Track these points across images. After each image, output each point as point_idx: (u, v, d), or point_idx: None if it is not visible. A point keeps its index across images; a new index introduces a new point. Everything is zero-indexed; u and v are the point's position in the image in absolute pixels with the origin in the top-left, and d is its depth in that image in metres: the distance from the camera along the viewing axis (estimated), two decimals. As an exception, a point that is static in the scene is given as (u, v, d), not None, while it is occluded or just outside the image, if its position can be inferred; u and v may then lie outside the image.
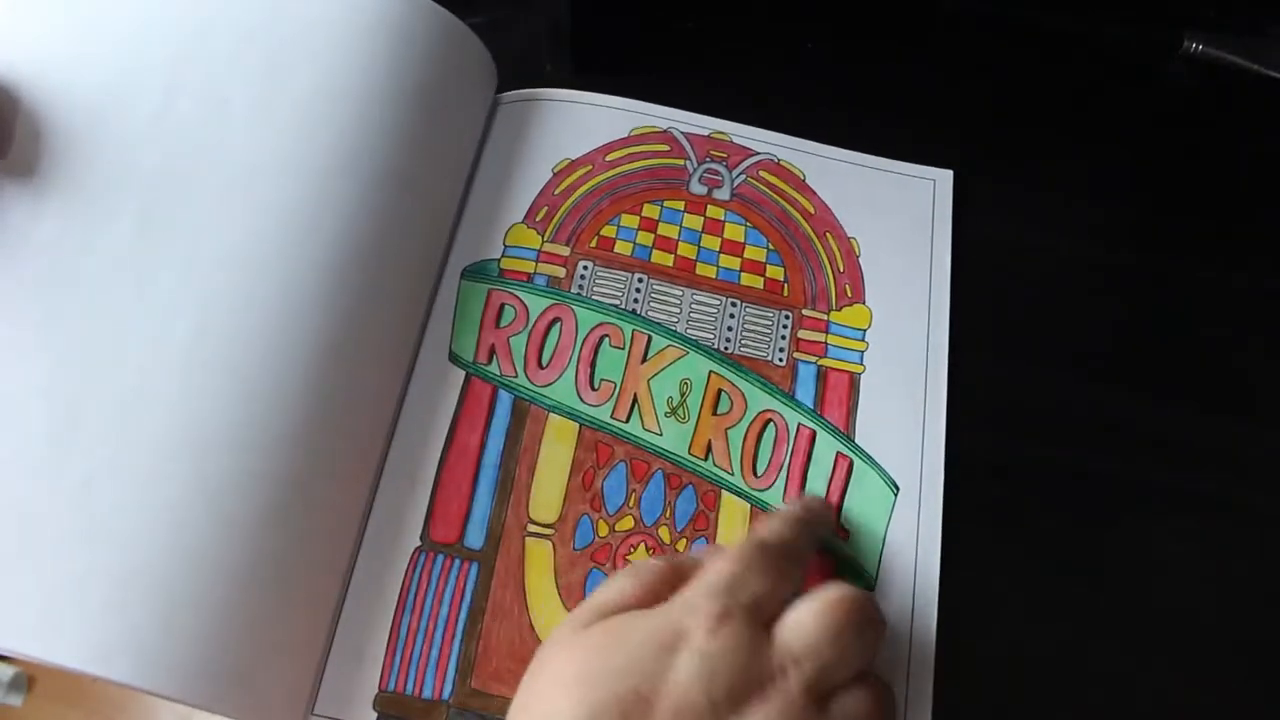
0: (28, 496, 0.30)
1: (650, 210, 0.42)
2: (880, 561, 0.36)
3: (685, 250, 0.41)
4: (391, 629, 0.34)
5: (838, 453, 0.38)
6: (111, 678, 0.29)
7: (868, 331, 0.40)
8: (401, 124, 0.38)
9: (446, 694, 0.34)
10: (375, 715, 0.33)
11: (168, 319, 0.33)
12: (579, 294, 0.40)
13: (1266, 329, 0.42)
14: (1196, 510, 0.39)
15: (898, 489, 0.38)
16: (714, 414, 0.38)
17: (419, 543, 0.35)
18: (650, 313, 0.40)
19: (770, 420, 0.38)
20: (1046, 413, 0.40)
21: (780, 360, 0.40)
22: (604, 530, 0.36)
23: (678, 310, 0.40)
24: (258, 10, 0.37)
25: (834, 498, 0.37)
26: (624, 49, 0.46)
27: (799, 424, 0.38)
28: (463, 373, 0.38)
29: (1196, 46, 0.48)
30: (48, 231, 0.33)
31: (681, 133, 0.44)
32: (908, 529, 0.37)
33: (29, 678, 0.38)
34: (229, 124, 0.35)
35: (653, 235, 0.41)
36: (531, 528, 0.36)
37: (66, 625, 0.29)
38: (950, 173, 0.44)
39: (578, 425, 0.38)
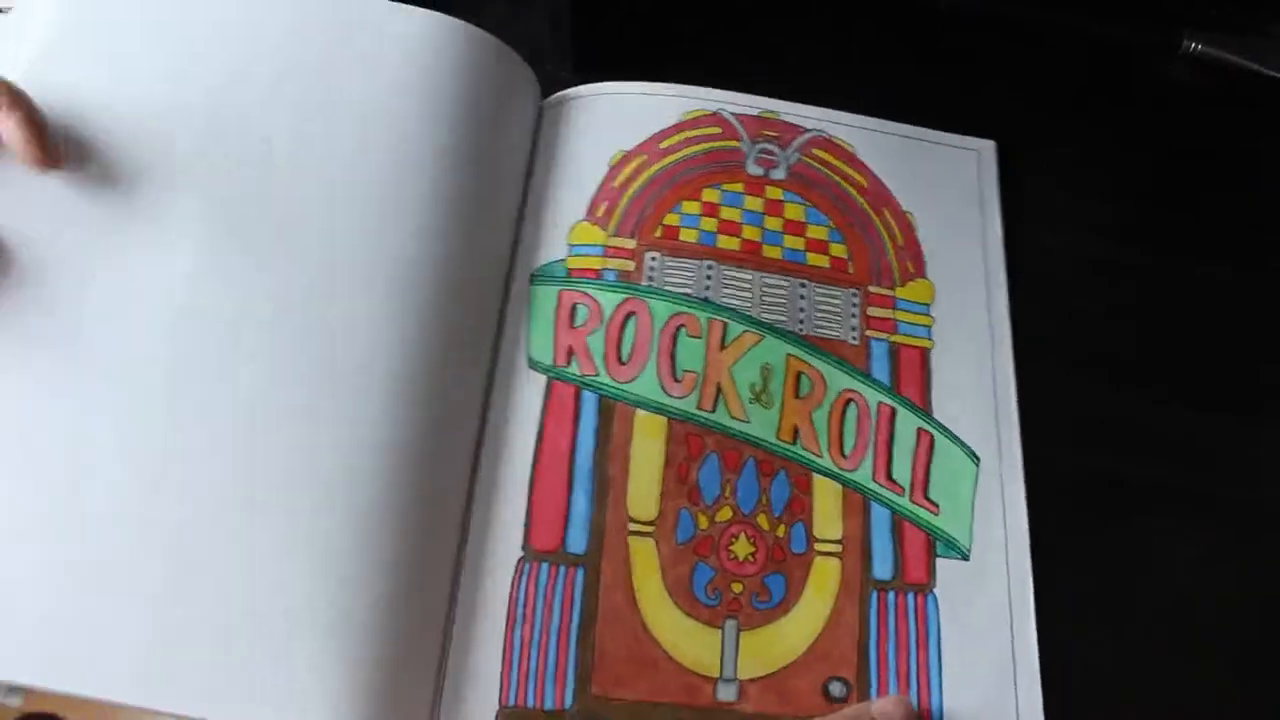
0: (123, 550, 0.30)
1: (710, 195, 0.41)
2: (972, 532, 0.37)
3: (750, 233, 0.41)
4: (505, 643, 0.33)
5: (918, 428, 0.38)
6: None
7: (932, 306, 0.41)
8: (453, 146, 0.37)
9: (569, 703, 0.33)
10: (501, 731, 0.32)
11: (243, 362, 0.32)
12: (650, 285, 0.39)
13: (1267, 329, 0.42)
14: (1196, 510, 0.39)
15: (978, 460, 0.38)
16: (796, 397, 0.38)
17: (521, 553, 0.35)
18: (723, 299, 0.39)
19: (851, 400, 0.39)
20: (1046, 413, 0.40)
21: (854, 339, 0.40)
22: (704, 522, 0.36)
23: (750, 294, 0.40)
24: (310, 49, 0.37)
25: (919, 473, 0.38)
26: (624, 48, 0.45)
27: (879, 402, 0.39)
28: (544, 377, 0.37)
29: (1196, 46, 0.48)
30: (102, 289, 0.33)
31: (731, 114, 0.43)
32: (993, 498, 0.38)
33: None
34: (281, 160, 0.35)
35: (716, 220, 0.41)
36: (632, 526, 0.36)
37: (174, 672, 0.29)
38: (992, 143, 0.44)
39: (666, 419, 0.37)
